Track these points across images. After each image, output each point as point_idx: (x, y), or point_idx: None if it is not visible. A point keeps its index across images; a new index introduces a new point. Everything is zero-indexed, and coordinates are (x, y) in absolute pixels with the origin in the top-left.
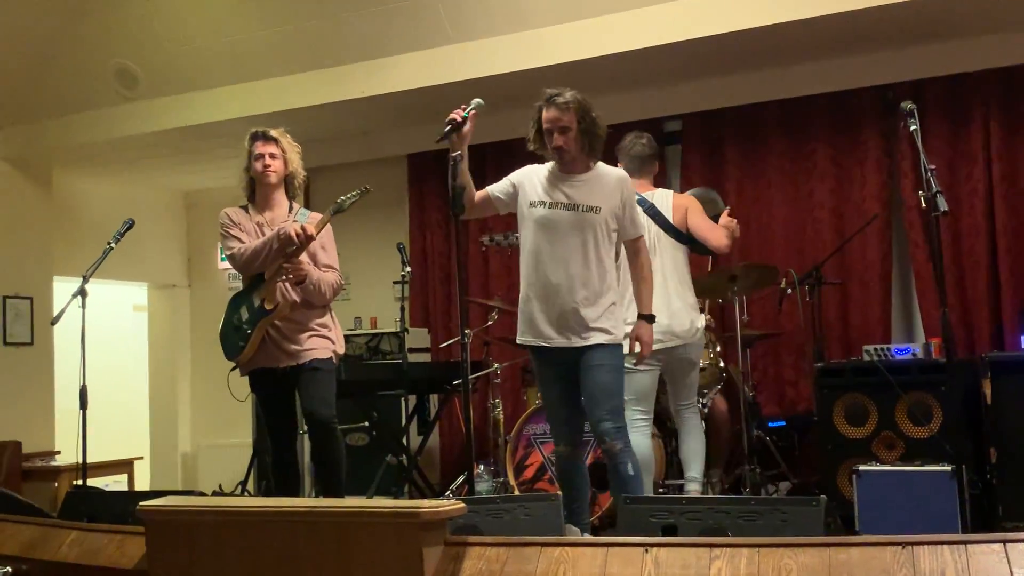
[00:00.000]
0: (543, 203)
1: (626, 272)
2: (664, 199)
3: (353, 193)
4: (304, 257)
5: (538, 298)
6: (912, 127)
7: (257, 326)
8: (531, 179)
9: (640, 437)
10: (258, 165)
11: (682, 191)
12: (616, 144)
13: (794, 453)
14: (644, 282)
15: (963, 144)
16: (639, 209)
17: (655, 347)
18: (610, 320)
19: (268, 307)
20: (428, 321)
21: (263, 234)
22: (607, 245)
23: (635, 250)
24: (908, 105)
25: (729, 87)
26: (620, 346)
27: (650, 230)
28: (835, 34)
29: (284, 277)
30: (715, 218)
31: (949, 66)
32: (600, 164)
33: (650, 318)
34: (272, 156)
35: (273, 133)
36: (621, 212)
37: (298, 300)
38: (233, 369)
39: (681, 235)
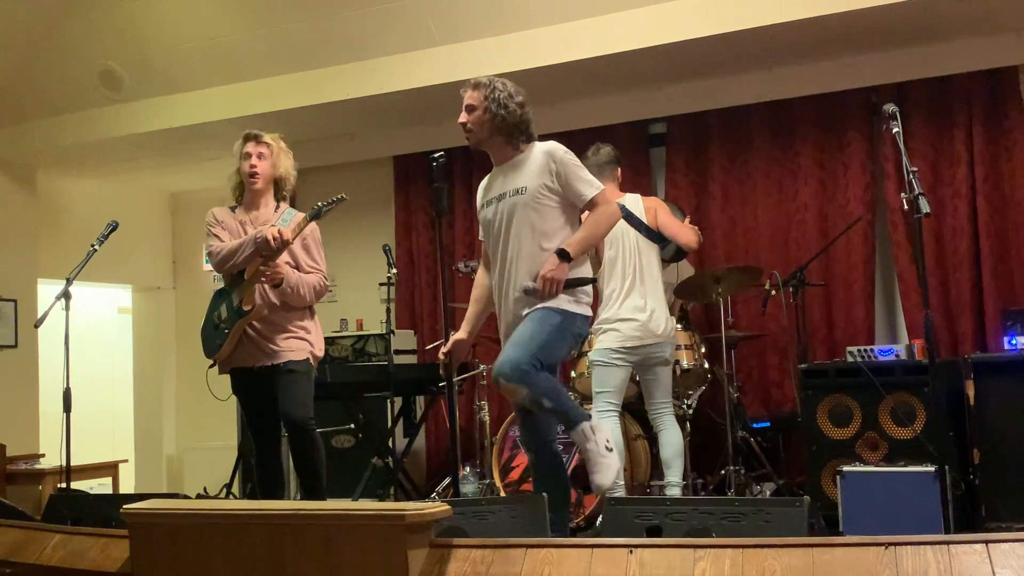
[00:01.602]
0: (482, 206)
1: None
2: (635, 203)
3: (329, 200)
4: (286, 258)
5: (498, 307)
6: (895, 129)
7: (235, 326)
8: (480, 191)
9: (609, 423)
10: (245, 165)
11: (667, 193)
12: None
13: (778, 454)
14: (584, 227)
15: (946, 146)
16: (581, 170)
17: (632, 344)
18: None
19: (246, 308)
20: (414, 323)
21: (245, 232)
22: (550, 226)
23: (591, 206)
24: (890, 107)
25: (714, 89)
26: (557, 311)
27: (628, 233)
28: (820, 37)
29: (261, 279)
30: None
31: (933, 69)
32: (533, 144)
33: (563, 254)
34: (260, 156)
35: (266, 137)
36: (554, 179)
37: (276, 302)
38: (212, 366)
39: (654, 234)
